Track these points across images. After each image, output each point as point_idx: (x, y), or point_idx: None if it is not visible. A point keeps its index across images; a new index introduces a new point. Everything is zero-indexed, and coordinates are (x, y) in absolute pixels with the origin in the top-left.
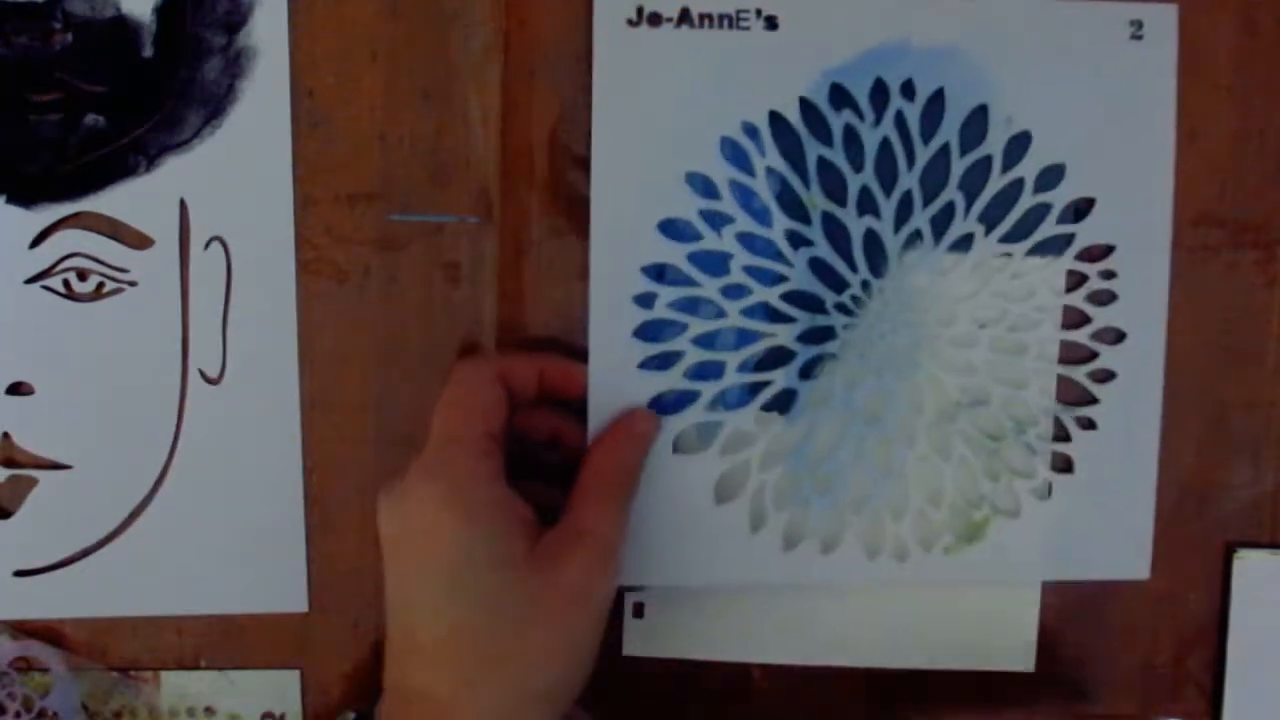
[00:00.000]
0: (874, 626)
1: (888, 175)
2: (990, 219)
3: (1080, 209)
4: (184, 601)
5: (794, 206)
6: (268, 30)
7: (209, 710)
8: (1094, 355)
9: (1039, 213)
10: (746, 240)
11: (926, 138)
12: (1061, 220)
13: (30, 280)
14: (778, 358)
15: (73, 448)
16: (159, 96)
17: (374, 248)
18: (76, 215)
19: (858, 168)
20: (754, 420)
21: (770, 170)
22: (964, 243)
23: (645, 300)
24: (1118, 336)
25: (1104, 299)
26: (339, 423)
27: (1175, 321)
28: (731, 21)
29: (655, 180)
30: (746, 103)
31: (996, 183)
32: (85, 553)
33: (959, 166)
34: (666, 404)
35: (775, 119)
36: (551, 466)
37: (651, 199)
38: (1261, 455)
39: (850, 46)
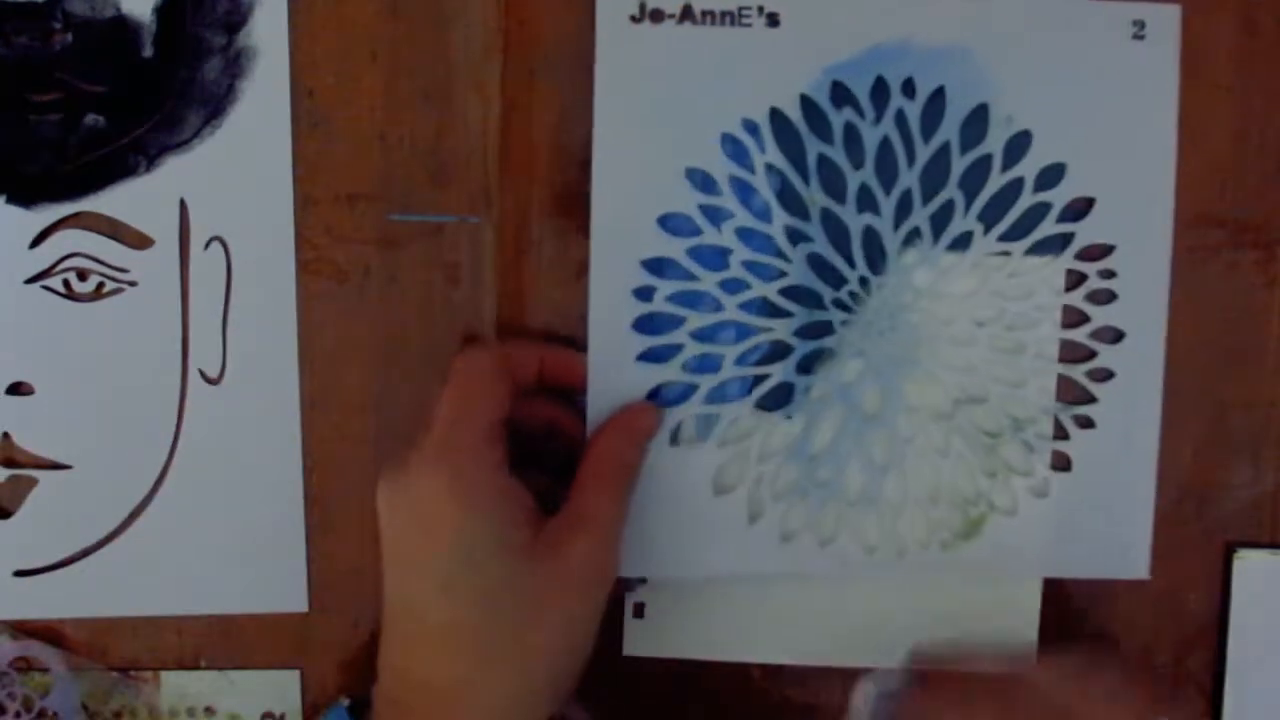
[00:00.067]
0: (874, 626)
1: (888, 173)
2: (989, 218)
3: (1080, 209)
4: (184, 601)
5: (794, 203)
6: (268, 30)
7: (209, 710)
8: (1093, 354)
9: (1039, 212)
10: (746, 236)
11: (927, 136)
12: (1061, 219)
13: (30, 280)
14: (776, 352)
15: (73, 448)
16: (159, 96)
17: (374, 248)
18: (76, 215)
19: (858, 165)
20: (752, 414)
21: (770, 167)
22: (963, 241)
23: (645, 293)
24: (1117, 336)
25: (1103, 298)
26: (339, 422)
27: (1175, 321)
28: (733, 18)
29: (656, 175)
30: (748, 99)
31: (996, 182)
32: (85, 553)
33: (959, 165)
34: (665, 396)
35: (776, 116)
36: (547, 456)
37: (652, 193)
38: (1261, 455)
39: (852, 44)
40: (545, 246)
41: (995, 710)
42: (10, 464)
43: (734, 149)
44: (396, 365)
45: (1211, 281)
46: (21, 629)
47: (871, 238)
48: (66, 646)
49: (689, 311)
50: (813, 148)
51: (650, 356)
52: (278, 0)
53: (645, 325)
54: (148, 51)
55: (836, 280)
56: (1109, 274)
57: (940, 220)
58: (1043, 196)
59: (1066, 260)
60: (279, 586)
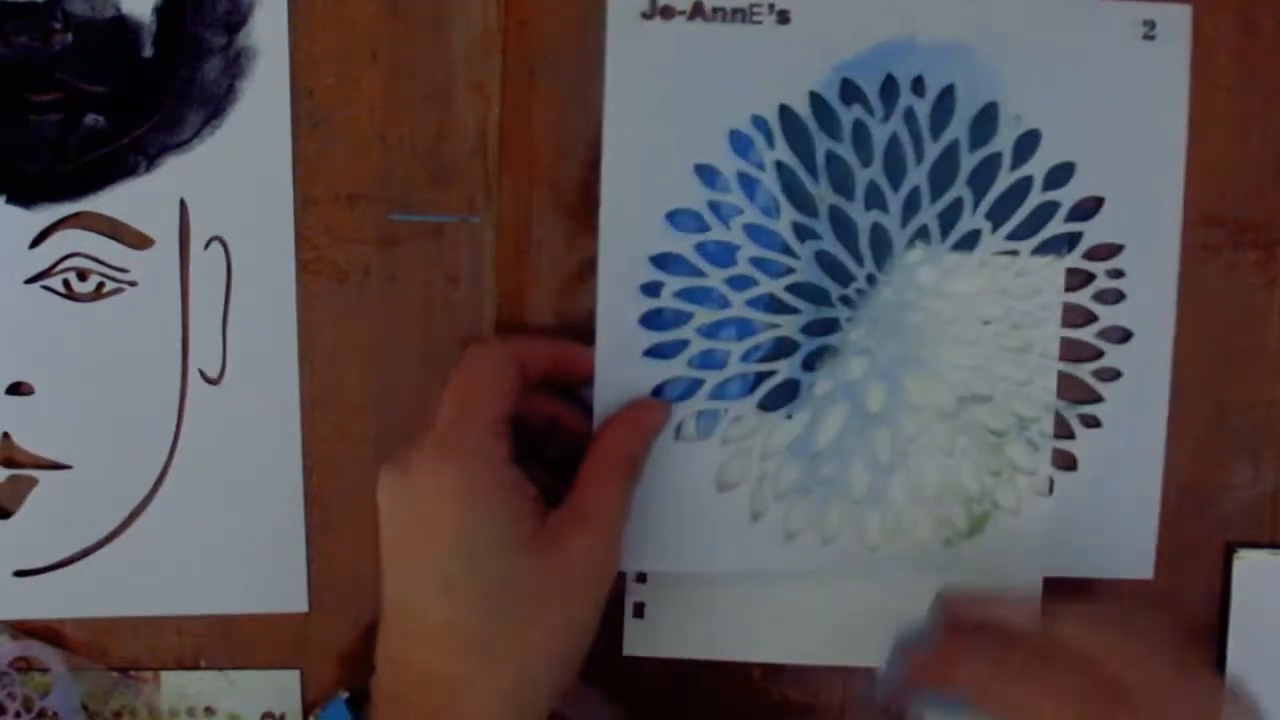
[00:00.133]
0: (876, 626)
1: (896, 171)
2: (998, 216)
3: (1089, 208)
4: (184, 601)
5: (802, 200)
6: (268, 30)
7: (209, 710)
8: (1100, 354)
9: (1047, 211)
10: (753, 232)
11: (935, 134)
12: (1070, 219)
13: (30, 280)
14: (782, 348)
15: (73, 448)
16: (159, 96)
17: (374, 248)
18: (76, 215)
19: (866, 162)
20: (756, 410)
21: (779, 164)
22: (971, 239)
23: (652, 289)
24: (1124, 335)
25: (1111, 298)
26: (339, 422)
27: (1176, 321)
28: (744, 15)
29: (664, 171)
30: (757, 96)
31: (1005, 180)
32: (85, 553)
33: (968, 163)
34: (670, 392)
35: (785, 113)
36: (548, 451)
37: (661, 189)
38: (1261, 455)
39: (861, 42)
40: (545, 246)
41: (1026, 657)
42: (10, 464)
43: (743, 145)
44: (396, 365)
45: (1212, 281)
46: (21, 629)
47: (879, 235)
48: (66, 646)
49: (696, 307)
50: (822, 145)
51: (657, 352)
52: (278, 0)
53: (652, 321)
54: (148, 51)
55: (843, 277)
56: (1117, 273)
57: (948, 218)
58: (1051, 195)
59: (1073, 259)
60: (279, 586)
